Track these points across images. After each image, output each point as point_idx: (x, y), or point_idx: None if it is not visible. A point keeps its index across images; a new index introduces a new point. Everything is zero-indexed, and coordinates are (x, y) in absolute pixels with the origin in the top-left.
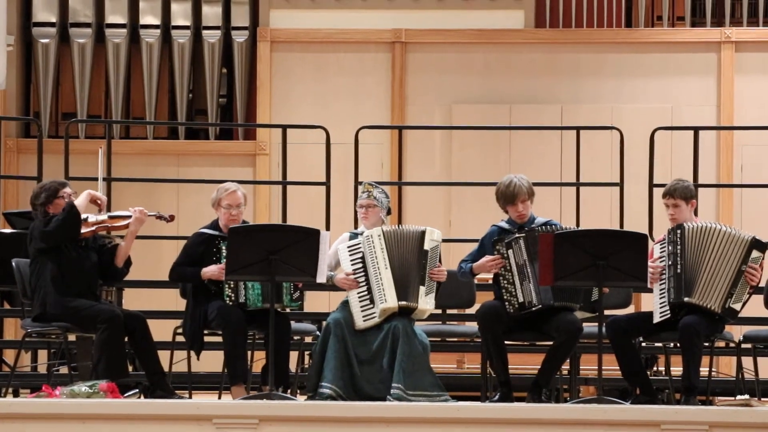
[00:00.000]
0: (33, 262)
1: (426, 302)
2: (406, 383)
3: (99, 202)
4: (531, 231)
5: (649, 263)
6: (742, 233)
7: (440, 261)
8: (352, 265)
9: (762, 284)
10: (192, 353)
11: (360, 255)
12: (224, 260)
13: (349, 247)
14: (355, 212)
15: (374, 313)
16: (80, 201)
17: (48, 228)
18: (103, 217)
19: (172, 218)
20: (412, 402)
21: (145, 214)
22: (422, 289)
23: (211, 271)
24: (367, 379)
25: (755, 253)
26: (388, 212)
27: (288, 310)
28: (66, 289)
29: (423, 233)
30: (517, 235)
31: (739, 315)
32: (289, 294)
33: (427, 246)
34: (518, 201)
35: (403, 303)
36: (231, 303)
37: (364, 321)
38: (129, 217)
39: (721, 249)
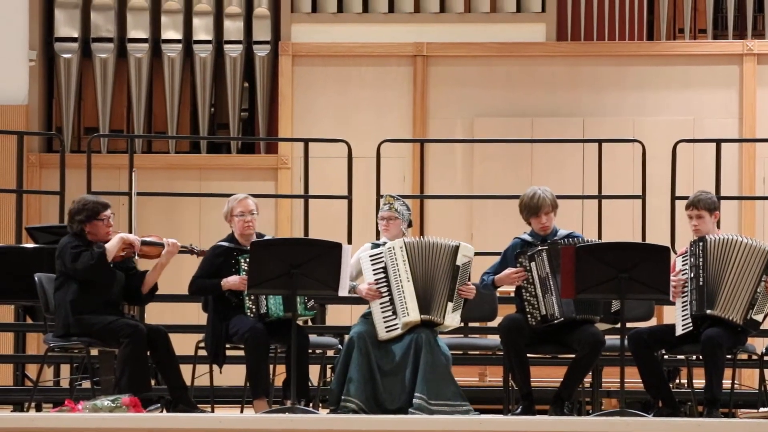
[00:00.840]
0: (58, 279)
1: (452, 318)
2: (429, 393)
3: (133, 246)
4: (553, 243)
5: (671, 277)
6: (762, 244)
7: (470, 278)
8: (375, 274)
9: None
10: (214, 367)
11: (382, 265)
12: (243, 272)
13: (371, 256)
14: (377, 225)
15: (397, 325)
16: (111, 246)
17: (77, 266)
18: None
19: (202, 253)
20: (434, 411)
21: (178, 248)
22: (450, 305)
23: (232, 281)
24: (390, 391)
25: None
26: (409, 225)
27: (309, 322)
28: (89, 308)
29: (457, 248)
30: (539, 248)
31: (762, 327)
32: (303, 303)
33: (459, 261)
34: (542, 213)
35: (426, 317)
36: (252, 315)
37: (387, 332)
38: (161, 245)
39: (743, 261)
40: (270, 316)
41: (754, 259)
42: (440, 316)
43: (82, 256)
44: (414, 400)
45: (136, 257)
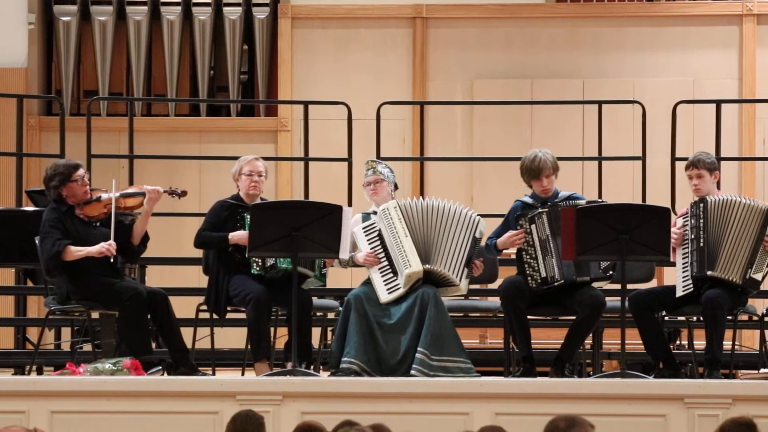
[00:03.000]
0: None
1: (465, 284)
2: (432, 348)
3: (108, 250)
4: (554, 206)
5: (672, 229)
6: (758, 203)
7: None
8: (370, 244)
9: None
10: (215, 329)
11: (376, 233)
12: (249, 227)
13: (364, 228)
14: None
15: (398, 283)
16: (71, 252)
17: (43, 252)
18: (116, 195)
19: (184, 194)
20: (435, 368)
21: (159, 193)
22: (466, 270)
23: (239, 236)
24: (393, 349)
25: None
26: (395, 187)
27: (319, 284)
28: (89, 271)
29: (478, 222)
30: (539, 210)
31: (762, 287)
32: (320, 268)
33: (478, 234)
34: (543, 176)
35: (428, 267)
36: (258, 269)
37: (389, 293)
38: (142, 194)
39: (742, 221)
40: (277, 267)
41: (753, 218)
42: (458, 277)
43: (45, 242)
44: (416, 354)
45: (117, 195)
